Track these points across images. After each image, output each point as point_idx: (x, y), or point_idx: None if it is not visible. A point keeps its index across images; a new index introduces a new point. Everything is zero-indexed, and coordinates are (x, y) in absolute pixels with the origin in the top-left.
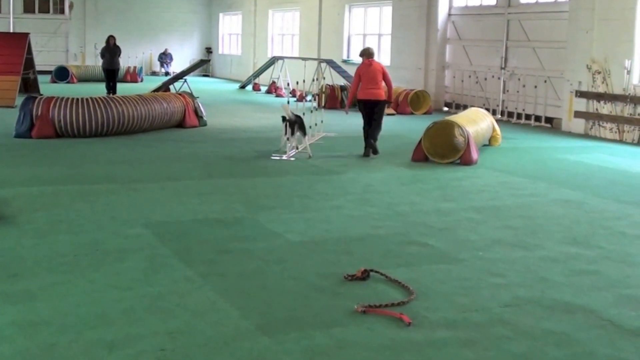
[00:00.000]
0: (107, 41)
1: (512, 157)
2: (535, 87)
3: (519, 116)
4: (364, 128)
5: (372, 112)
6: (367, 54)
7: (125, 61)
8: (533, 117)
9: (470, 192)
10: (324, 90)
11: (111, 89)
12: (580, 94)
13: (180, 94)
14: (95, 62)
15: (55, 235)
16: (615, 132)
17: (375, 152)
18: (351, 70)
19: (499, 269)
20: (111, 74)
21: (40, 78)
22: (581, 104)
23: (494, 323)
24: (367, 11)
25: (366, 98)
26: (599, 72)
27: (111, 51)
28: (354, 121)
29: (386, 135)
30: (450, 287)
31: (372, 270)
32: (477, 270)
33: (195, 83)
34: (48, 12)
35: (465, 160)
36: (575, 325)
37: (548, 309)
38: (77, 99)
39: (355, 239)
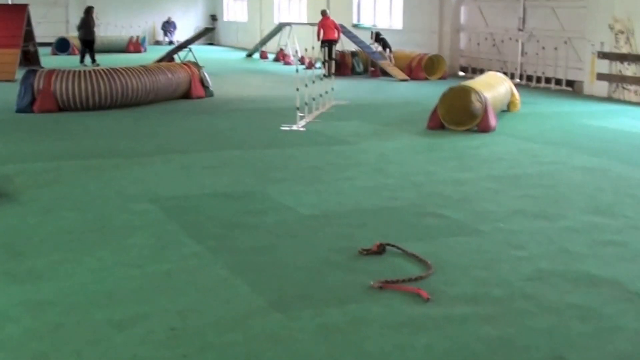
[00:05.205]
0: (89, 12)
1: (532, 123)
2: (555, 48)
3: (538, 80)
4: (325, 58)
5: (331, 47)
6: (325, 13)
7: (128, 31)
8: (553, 80)
9: (488, 161)
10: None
11: (92, 59)
12: (603, 55)
13: (185, 64)
14: (97, 32)
15: (59, 212)
16: None
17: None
18: (362, 35)
19: (519, 241)
20: (90, 44)
21: (40, 50)
22: (604, 66)
23: (515, 297)
24: None
25: (328, 39)
26: (622, 32)
27: (92, 22)
28: (366, 87)
29: (400, 102)
30: (469, 260)
31: (387, 244)
32: (497, 243)
33: (201, 52)
34: None
35: (483, 127)
36: (600, 298)
37: (572, 282)
38: (80, 72)
39: (369, 211)
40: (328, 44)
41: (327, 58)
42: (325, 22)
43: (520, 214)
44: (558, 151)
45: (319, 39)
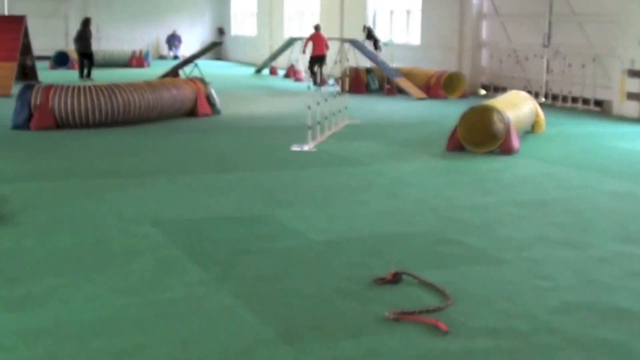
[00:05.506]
0: (87, 24)
1: (558, 144)
2: (583, 66)
3: (564, 99)
4: (312, 69)
5: (314, 63)
6: (317, 27)
7: (130, 44)
8: (580, 99)
9: (511, 185)
10: (347, 73)
11: (89, 72)
12: (633, 73)
13: (190, 80)
14: (97, 46)
15: (57, 235)
16: None
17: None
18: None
19: (544, 271)
20: (89, 57)
21: (38, 64)
22: (634, 85)
23: (540, 331)
24: None
25: (316, 54)
26: None
27: (89, 34)
28: (382, 106)
29: (417, 121)
30: (490, 290)
31: (403, 273)
32: (521, 272)
33: (207, 67)
34: None
35: (506, 149)
36: (630, 333)
37: (600, 315)
38: (79, 87)
39: (384, 237)
40: (313, 59)
41: (313, 71)
42: (316, 37)
43: (545, 242)
44: (585, 175)
45: (304, 51)
